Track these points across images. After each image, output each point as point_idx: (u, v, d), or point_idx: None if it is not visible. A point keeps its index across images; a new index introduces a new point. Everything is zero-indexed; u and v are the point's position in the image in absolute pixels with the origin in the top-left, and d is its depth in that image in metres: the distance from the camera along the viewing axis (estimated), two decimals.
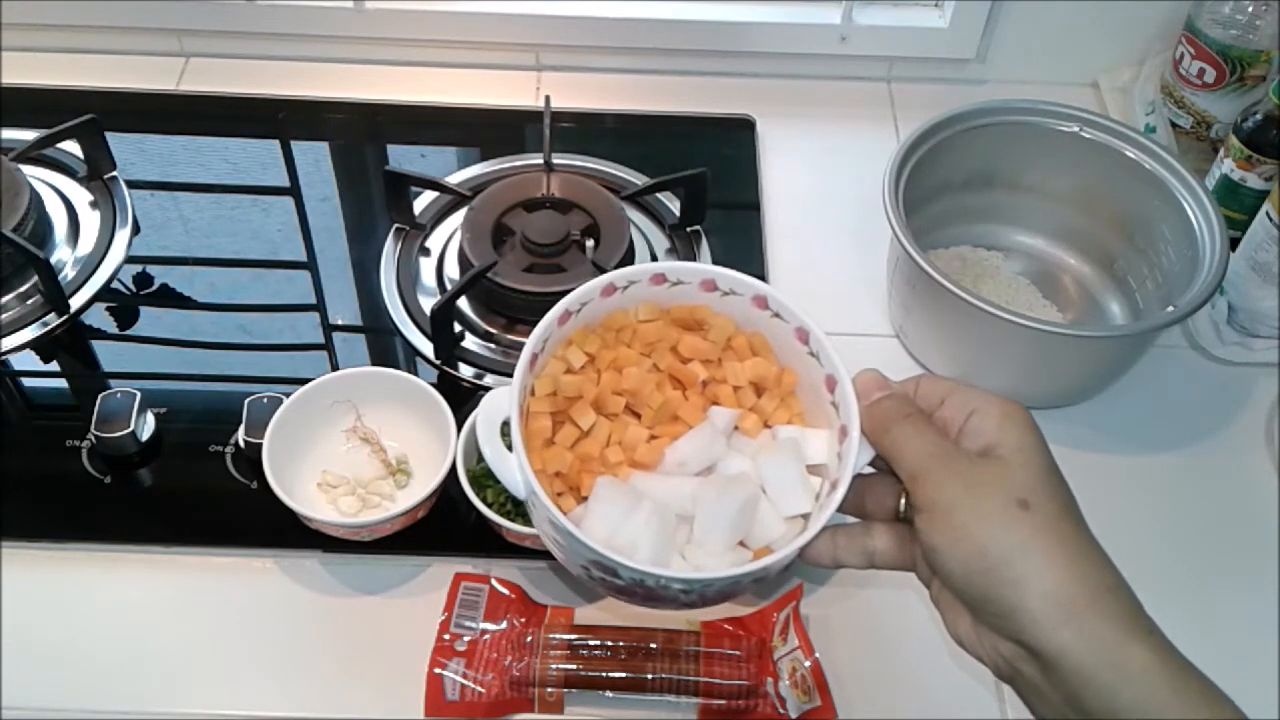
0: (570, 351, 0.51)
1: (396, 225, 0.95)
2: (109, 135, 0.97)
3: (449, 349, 0.86)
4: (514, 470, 0.47)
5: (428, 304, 0.87)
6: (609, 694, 0.70)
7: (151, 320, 0.90)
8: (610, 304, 0.51)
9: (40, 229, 0.92)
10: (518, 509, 0.74)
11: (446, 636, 0.72)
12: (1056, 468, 0.45)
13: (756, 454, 0.49)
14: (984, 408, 0.46)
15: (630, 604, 0.49)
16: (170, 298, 0.91)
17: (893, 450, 0.46)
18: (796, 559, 0.48)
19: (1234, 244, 0.86)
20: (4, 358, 0.86)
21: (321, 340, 0.90)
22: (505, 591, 0.74)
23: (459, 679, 0.70)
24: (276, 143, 1.03)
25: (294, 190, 1.00)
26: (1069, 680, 0.41)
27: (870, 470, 0.49)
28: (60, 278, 0.89)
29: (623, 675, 0.70)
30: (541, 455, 0.49)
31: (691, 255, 0.94)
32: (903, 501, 0.48)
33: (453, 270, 0.92)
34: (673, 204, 0.98)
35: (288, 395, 0.78)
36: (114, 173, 0.98)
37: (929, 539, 0.44)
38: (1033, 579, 0.41)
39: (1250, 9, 0.92)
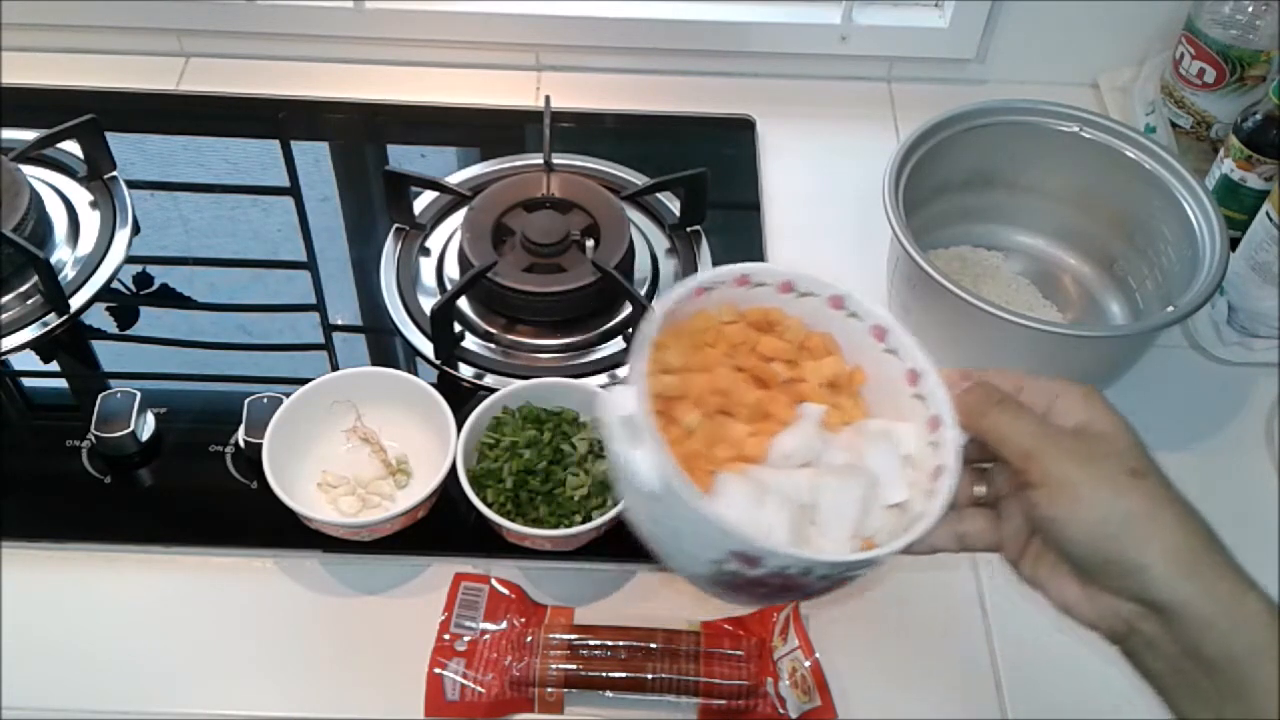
0: (666, 353, 0.50)
1: (396, 225, 0.95)
2: (109, 135, 0.97)
3: (449, 349, 0.86)
4: (638, 464, 0.46)
5: (428, 304, 0.87)
6: (609, 694, 0.70)
7: (151, 320, 0.90)
8: (696, 305, 0.52)
9: (40, 229, 0.92)
10: (518, 509, 0.74)
11: (446, 636, 0.72)
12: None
13: (864, 450, 0.50)
14: (1065, 392, 0.49)
15: (747, 601, 0.50)
16: (170, 298, 0.91)
17: (994, 434, 0.48)
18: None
19: (1234, 244, 0.86)
20: (4, 358, 0.86)
21: (321, 340, 0.89)
22: (505, 591, 0.74)
23: (459, 679, 0.70)
24: (276, 143, 1.03)
25: (294, 190, 1.00)
26: (1190, 630, 0.45)
27: None
28: (60, 278, 0.89)
29: (623, 675, 0.70)
30: None
31: (692, 255, 0.94)
32: (979, 489, 0.52)
33: (453, 270, 0.92)
34: (673, 204, 0.98)
35: (288, 395, 0.78)
36: (114, 173, 0.98)
37: (1049, 511, 0.47)
38: (1154, 539, 0.45)
39: (1250, 9, 0.92)
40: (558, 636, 0.71)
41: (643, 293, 0.90)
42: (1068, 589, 0.49)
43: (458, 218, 0.95)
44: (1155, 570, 0.45)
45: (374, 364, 0.86)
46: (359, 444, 0.80)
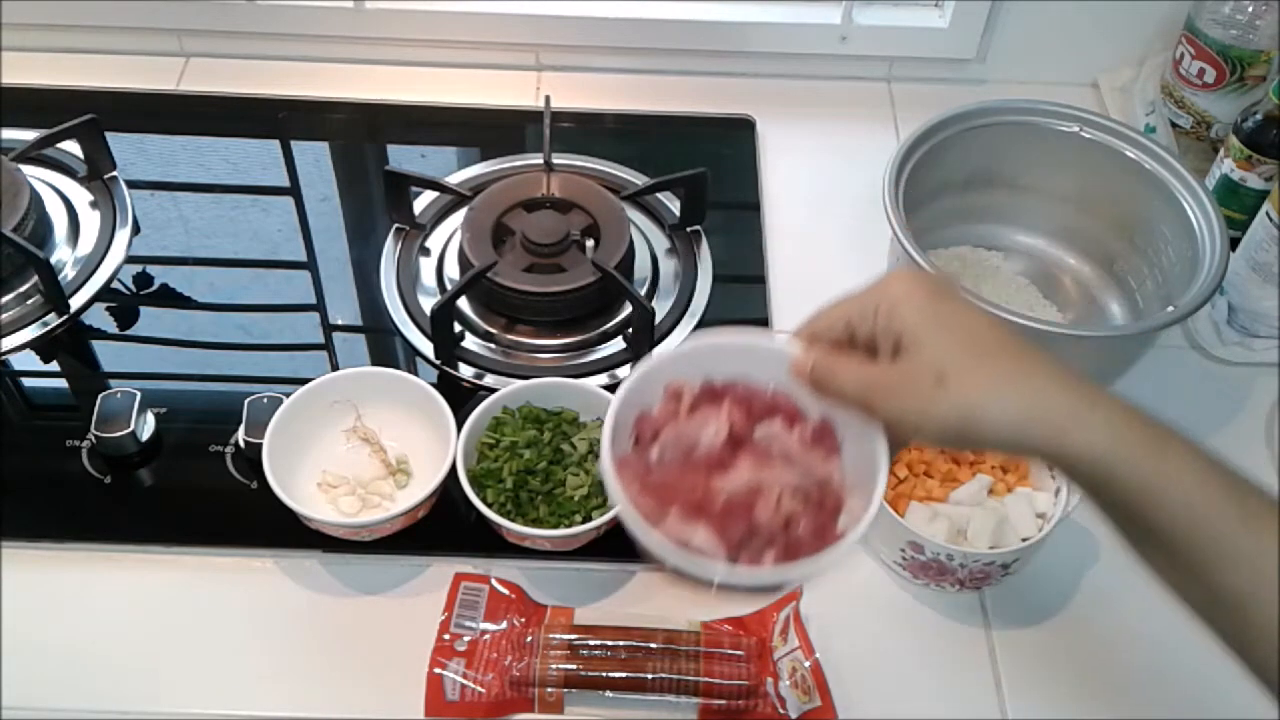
0: None
1: (396, 225, 0.95)
2: (109, 135, 0.97)
3: (449, 349, 0.86)
4: None
5: (428, 304, 0.87)
6: (609, 694, 0.70)
7: (151, 320, 0.90)
8: None
9: (40, 229, 0.92)
10: (518, 509, 0.74)
11: (446, 636, 0.72)
12: None
13: (1005, 499, 0.76)
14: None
15: (918, 576, 0.75)
16: (170, 298, 0.91)
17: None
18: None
19: (1234, 244, 0.86)
20: (4, 358, 0.86)
21: (321, 340, 0.90)
22: (505, 591, 0.74)
23: (459, 679, 0.70)
24: (276, 143, 1.03)
25: (294, 190, 1.00)
26: None
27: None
28: (60, 278, 0.89)
29: (623, 675, 0.70)
30: None
31: (692, 255, 0.94)
32: None
33: (453, 270, 0.92)
34: (673, 204, 0.98)
35: (288, 395, 0.78)
36: (114, 173, 0.98)
37: None
38: None
39: (1250, 9, 0.92)
40: (558, 636, 0.71)
41: (642, 292, 0.90)
42: None
43: (458, 218, 0.95)
44: None
45: (374, 364, 0.86)
46: (359, 444, 0.80)
